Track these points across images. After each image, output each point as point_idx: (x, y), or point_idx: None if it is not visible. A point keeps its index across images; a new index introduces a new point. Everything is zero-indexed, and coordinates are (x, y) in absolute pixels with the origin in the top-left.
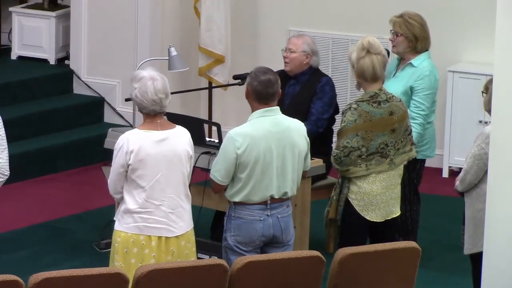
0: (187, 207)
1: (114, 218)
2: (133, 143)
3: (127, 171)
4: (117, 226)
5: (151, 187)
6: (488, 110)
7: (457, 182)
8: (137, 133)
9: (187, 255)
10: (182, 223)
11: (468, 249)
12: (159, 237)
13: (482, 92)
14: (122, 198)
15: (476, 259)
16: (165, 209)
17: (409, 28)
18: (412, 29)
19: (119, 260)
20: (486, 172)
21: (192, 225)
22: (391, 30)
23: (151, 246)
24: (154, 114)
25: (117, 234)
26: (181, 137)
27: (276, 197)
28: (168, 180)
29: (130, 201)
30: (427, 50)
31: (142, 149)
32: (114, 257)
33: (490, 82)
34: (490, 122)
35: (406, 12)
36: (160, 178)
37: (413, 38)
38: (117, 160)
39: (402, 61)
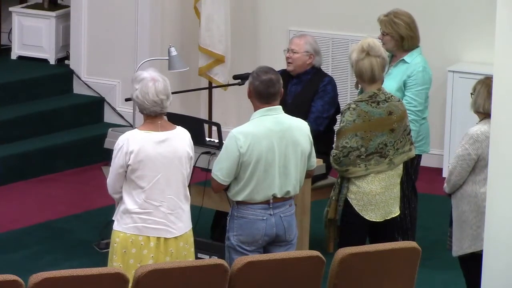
0: (186, 208)
1: (113, 218)
2: (133, 144)
3: (126, 172)
4: (116, 226)
5: (150, 188)
6: (475, 111)
7: (445, 184)
8: (137, 134)
9: (185, 256)
10: (181, 224)
11: (455, 252)
12: (158, 238)
13: (471, 93)
14: (121, 198)
15: (464, 261)
16: (164, 210)
17: (394, 27)
18: (398, 29)
19: (118, 261)
20: (470, 173)
21: (191, 226)
22: (380, 29)
23: (149, 247)
24: (154, 115)
25: (115, 235)
26: (181, 138)
27: (279, 196)
28: (168, 181)
29: (129, 201)
30: (417, 47)
31: (142, 150)
32: (113, 258)
33: (478, 83)
34: (477, 123)
35: (394, 10)
36: (160, 179)
37: (398, 37)
38: (117, 160)
39: (394, 57)
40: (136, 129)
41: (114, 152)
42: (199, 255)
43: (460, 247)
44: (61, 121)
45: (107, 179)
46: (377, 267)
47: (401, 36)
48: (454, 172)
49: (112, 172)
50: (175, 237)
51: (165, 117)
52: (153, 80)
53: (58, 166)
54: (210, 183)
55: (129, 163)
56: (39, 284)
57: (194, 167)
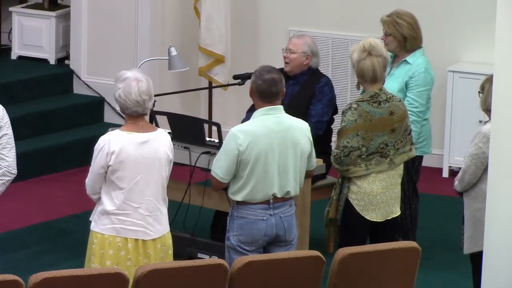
0: (164, 211)
1: (90, 219)
2: (115, 144)
3: (106, 172)
4: (93, 227)
5: (130, 189)
6: (485, 110)
7: (456, 182)
8: (118, 134)
9: (163, 258)
10: (159, 226)
11: (467, 249)
12: (136, 240)
13: (479, 92)
14: (99, 199)
15: (476, 258)
16: (143, 211)
17: (397, 28)
18: (400, 29)
19: (96, 262)
20: (484, 171)
21: (169, 229)
22: (383, 29)
23: (127, 248)
24: (136, 116)
25: (93, 235)
26: (162, 140)
27: (279, 196)
28: (148, 183)
29: (108, 202)
30: (419, 47)
31: (123, 151)
32: (91, 258)
33: (486, 81)
34: (488, 121)
35: (396, 11)
36: (139, 180)
37: (401, 38)
38: (98, 160)
39: (396, 58)
40: (117, 130)
41: (95, 153)
42: (199, 255)
43: (474, 244)
44: (61, 121)
45: (86, 179)
46: (377, 267)
47: (404, 37)
48: (468, 171)
49: (92, 173)
50: (153, 239)
51: (162, 117)
52: (136, 80)
53: (57, 166)
54: (210, 183)
55: (110, 163)
56: (39, 284)
57: (194, 167)
